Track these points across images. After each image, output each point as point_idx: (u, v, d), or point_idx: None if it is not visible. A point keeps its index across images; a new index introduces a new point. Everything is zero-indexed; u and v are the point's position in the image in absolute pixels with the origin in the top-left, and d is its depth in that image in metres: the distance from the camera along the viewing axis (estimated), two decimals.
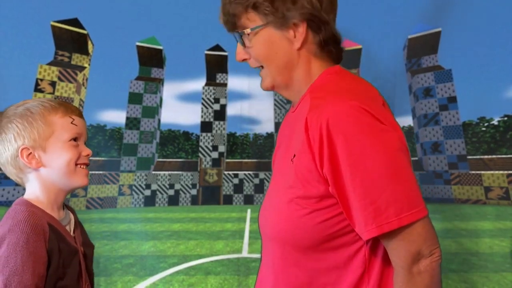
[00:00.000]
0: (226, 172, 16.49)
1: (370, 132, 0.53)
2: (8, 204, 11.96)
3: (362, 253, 0.58)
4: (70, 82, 14.34)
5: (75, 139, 0.74)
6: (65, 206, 0.81)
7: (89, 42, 16.06)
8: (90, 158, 0.79)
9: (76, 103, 14.18)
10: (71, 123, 0.74)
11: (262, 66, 0.71)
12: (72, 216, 0.80)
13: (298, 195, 0.59)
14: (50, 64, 14.36)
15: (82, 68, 15.27)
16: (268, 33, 0.66)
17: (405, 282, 0.54)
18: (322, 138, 0.55)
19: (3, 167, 0.72)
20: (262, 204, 0.75)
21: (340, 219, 0.58)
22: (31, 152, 0.69)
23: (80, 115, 0.78)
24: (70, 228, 0.77)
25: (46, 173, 0.71)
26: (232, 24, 0.69)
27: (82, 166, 0.76)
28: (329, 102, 0.57)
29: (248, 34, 0.67)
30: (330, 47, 0.69)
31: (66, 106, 0.75)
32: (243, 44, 0.69)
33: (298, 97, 0.72)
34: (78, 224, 0.81)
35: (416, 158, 15.75)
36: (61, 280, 0.65)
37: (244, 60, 0.73)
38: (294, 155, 0.62)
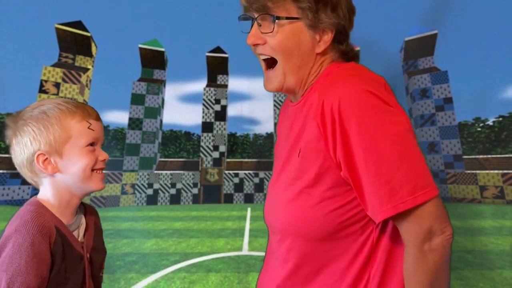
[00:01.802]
0: (226, 172, 16.59)
1: (380, 114, 0.53)
2: (13, 203, 12.05)
3: (370, 240, 0.59)
4: (74, 83, 14.49)
5: (91, 144, 0.72)
6: (85, 207, 0.80)
7: (93, 44, 16.19)
8: None
9: None
10: (88, 128, 0.71)
11: (272, 66, 0.69)
12: (83, 220, 0.77)
13: (307, 185, 0.59)
14: (54, 65, 14.54)
15: (85, 70, 15.42)
16: (298, 28, 0.65)
17: (416, 259, 0.54)
18: (335, 122, 0.55)
19: (19, 168, 0.70)
20: (267, 199, 0.74)
21: (349, 208, 0.58)
22: (47, 158, 0.68)
23: (98, 118, 0.75)
24: (79, 233, 0.74)
25: (61, 178, 0.70)
26: (263, 5, 0.65)
27: (98, 171, 0.73)
28: (338, 86, 0.58)
29: (276, 23, 0.65)
30: (347, 58, 0.71)
31: (83, 109, 0.72)
32: (268, 29, 0.65)
33: (302, 93, 0.71)
34: (92, 228, 0.78)
35: None
36: (63, 285, 0.64)
37: (256, 44, 0.68)
38: (302, 146, 0.62)
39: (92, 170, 0.72)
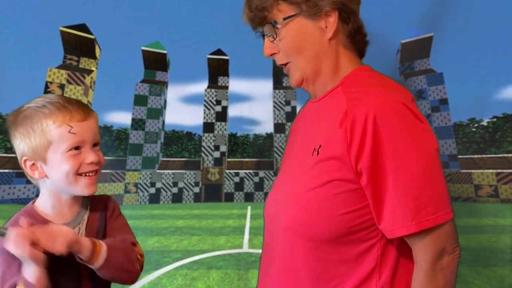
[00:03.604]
0: (227, 171, 16.80)
1: (414, 131, 0.53)
2: (19, 202, 12.30)
3: (375, 249, 0.57)
4: (78, 84, 14.75)
5: (77, 147, 0.68)
6: (90, 202, 0.78)
7: (97, 47, 16.46)
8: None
9: None
10: (69, 132, 0.67)
11: (288, 62, 0.69)
12: (86, 216, 0.75)
13: (320, 185, 0.58)
14: (59, 67, 14.80)
15: (89, 72, 15.68)
16: (300, 23, 0.64)
17: (428, 276, 0.54)
18: (366, 131, 0.53)
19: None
20: (271, 194, 0.72)
21: (359, 214, 0.56)
22: (33, 163, 0.67)
23: (83, 118, 0.69)
24: (80, 229, 0.72)
25: (50, 183, 0.69)
26: (261, 18, 0.67)
27: (88, 174, 0.70)
28: (373, 96, 0.56)
29: (278, 27, 0.65)
30: (359, 38, 0.68)
31: (66, 112, 0.67)
32: (274, 36, 0.67)
33: (322, 89, 0.69)
34: (96, 222, 0.76)
35: None
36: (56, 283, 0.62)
37: (272, 55, 0.69)
38: (320, 146, 0.60)
39: (79, 174, 0.69)
